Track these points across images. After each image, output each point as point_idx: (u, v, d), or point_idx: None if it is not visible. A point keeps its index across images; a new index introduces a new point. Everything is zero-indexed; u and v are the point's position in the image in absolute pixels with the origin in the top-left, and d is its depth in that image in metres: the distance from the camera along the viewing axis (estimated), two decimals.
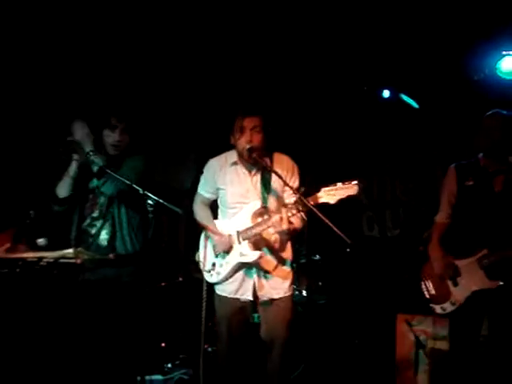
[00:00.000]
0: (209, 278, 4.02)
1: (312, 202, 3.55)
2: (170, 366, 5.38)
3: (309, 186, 3.75)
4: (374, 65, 6.06)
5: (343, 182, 3.54)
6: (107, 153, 4.14)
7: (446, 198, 4.20)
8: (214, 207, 4.18)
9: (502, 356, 3.91)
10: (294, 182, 3.94)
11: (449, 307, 4.03)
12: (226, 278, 3.93)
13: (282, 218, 3.62)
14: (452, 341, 4.11)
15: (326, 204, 3.53)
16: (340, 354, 5.53)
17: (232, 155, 4.02)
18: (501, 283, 3.90)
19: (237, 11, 5.31)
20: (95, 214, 4.14)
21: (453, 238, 4.12)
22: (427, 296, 4.17)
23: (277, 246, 3.93)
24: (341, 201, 3.53)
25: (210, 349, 5.12)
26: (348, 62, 6.03)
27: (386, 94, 6.30)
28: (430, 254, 4.19)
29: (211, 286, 4.07)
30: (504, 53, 5.51)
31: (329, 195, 3.52)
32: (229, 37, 5.62)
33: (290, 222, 3.65)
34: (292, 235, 3.92)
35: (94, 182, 4.17)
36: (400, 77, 6.13)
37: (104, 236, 4.09)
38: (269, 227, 3.73)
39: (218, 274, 3.94)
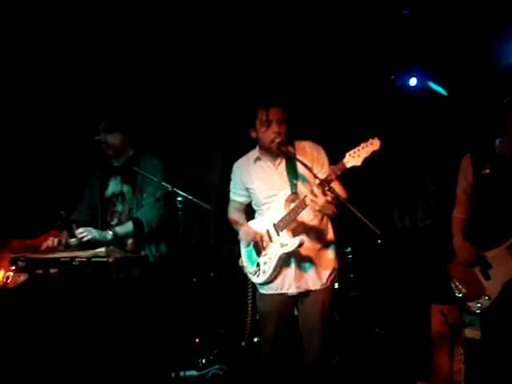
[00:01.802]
0: (255, 279, 3.92)
1: (339, 171, 3.46)
2: (204, 361, 5.42)
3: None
4: (401, 53, 6.01)
5: (363, 141, 3.45)
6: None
7: (463, 190, 4.11)
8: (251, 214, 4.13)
9: None
10: (323, 163, 3.83)
11: (485, 302, 3.91)
12: (273, 275, 3.82)
13: (316, 195, 3.48)
14: (484, 331, 4.05)
15: (354, 167, 3.43)
16: (374, 346, 5.50)
17: (254, 152, 3.98)
18: None
19: (252, 3, 5.30)
20: (114, 223, 4.21)
21: (476, 230, 4.02)
22: (459, 295, 4.04)
23: (318, 230, 3.84)
24: (366, 160, 3.42)
25: (243, 343, 5.14)
26: (375, 52, 5.99)
27: (413, 82, 6.24)
28: (455, 247, 4.07)
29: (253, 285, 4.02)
30: None
31: (354, 157, 3.43)
32: (243, 32, 5.63)
33: (324, 194, 3.48)
34: (333, 213, 3.77)
35: (109, 191, 4.25)
36: (427, 64, 6.06)
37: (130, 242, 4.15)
38: (303, 209, 3.63)
39: (264, 272, 3.83)
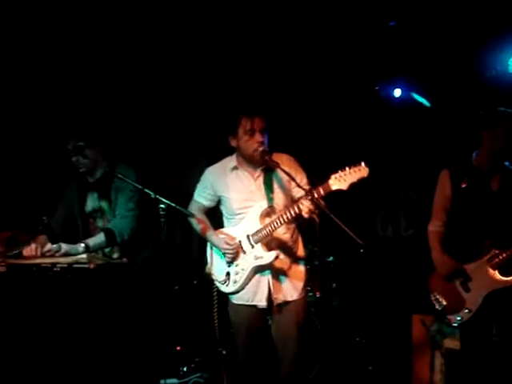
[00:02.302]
0: (224, 288, 3.92)
1: (323, 192, 3.46)
2: (185, 369, 5.39)
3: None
4: (385, 64, 6.05)
5: (350, 166, 3.44)
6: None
7: (440, 203, 4.09)
8: (214, 218, 4.12)
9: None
10: (302, 178, 3.85)
11: (466, 315, 3.91)
12: (244, 286, 3.84)
13: (300, 209, 3.51)
14: (463, 342, 4.05)
15: (339, 191, 3.44)
16: (355, 356, 5.51)
17: (231, 160, 3.95)
18: None
19: (235, 10, 5.32)
20: None
21: (455, 243, 4.00)
22: (439, 308, 4.03)
23: (290, 244, 3.88)
24: (353, 185, 3.42)
25: (224, 352, 5.12)
26: (359, 62, 6.02)
27: (398, 93, 6.28)
28: (434, 261, 4.05)
29: (221, 293, 4.01)
30: None
31: (340, 181, 3.42)
32: (229, 41, 5.65)
33: (309, 211, 3.48)
34: (304, 226, 3.84)
35: (89, 207, 4.26)
36: (411, 75, 6.11)
37: (116, 255, 4.17)
38: (281, 224, 3.66)
39: (235, 282, 3.85)
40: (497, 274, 3.86)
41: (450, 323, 4.02)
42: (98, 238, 4.08)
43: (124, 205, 4.16)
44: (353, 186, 3.44)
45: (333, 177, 3.46)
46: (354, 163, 3.47)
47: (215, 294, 4.05)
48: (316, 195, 3.48)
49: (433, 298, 4.07)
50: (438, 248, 4.06)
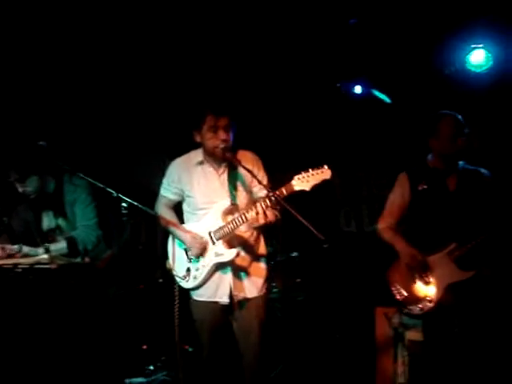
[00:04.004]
0: (184, 284, 3.94)
1: (286, 192, 3.51)
2: (151, 368, 5.38)
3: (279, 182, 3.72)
4: (345, 61, 6.10)
5: (313, 168, 3.50)
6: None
7: (397, 204, 4.17)
8: (178, 212, 4.10)
9: (475, 346, 3.95)
10: (263, 177, 3.89)
11: (426, 306, 4.00)
12: (204, 282, 3.86)
13: (257, 213, 3.58)
14: (426, 333, 4.14)
15: (302, 191, 3.49)
16: (320, 350, 5.56)
17: (197, 154, 3.95)
18: (473, 273, 3.92)
19: (204, 10, 5.32)
20: None
21: (416, 239, 4.08)
22: (399, 299, 4.11)
23: (252, 242, 3.91)
24: (316, 187, 3.48)
25: (190, 349, 5.13)
26: (320, 60, 6.06)
27: (358, 89, 6.34)
28: (400, 252, 4.10)
29: (184, 290, 4.01)
30: (473, 46, 5.58)
31: (303, 182, 3.48)
32: (192, 38, 5.63)
33: (266, 216, 3.59)
34: (265, 229, 3.89)
35: (45, 226, 4.23)
36: (371, 72, 6.17)
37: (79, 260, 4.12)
38: (243, 223, 3.68)
39: (195, 278, 3.87)
40: (456, 267, 3.96)
41: (410, 314, 4.12)
42: (60, 244, 4.08)
43: (82, 216, 4.15)
44: (315, 187, 3.50)
45: (296, 177, 3.51)
46: (316, 165, 3.53)
47: (176, 291, 4.04)
48: (278, 195, 3.52)
49: (394, 290, 4.15)
50: (401, 240, 4.12)
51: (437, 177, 4.08)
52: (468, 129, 4.05)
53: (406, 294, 4.10)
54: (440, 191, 4.06)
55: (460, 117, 4.06)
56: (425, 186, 4.08)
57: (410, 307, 4.08)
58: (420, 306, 4.03)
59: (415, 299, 4.06)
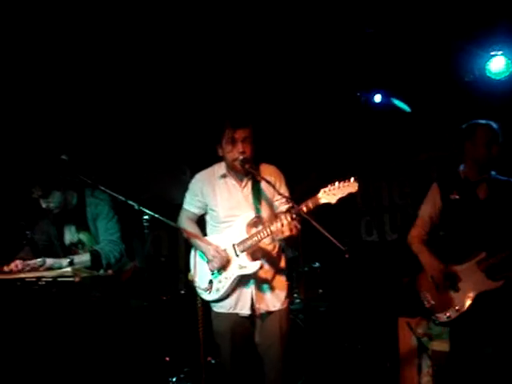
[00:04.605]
0: (206, 296, 3.92)
1: (311, 205, 3.51)
2: (174, 379, 5.38)
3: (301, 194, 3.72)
4: (365, 70, 6.10)
5: (339, 181, 3.51)
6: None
7: (428, 214, 4.22)
8: (201, 224, 4.10)
9: (506, 359, 3.93)
10: (285, 192, 3.88)
11: (453, 314, 3.99)
12: (227, 294, 3.84)
13: (283, 225, 3.57)
14: (452, 342, 4.11)
15: (327, 204, 3.49)
16: (343, 360, 5.52)
17: (220, 167, 3.96)
18: (501, 283, 3.92)
19: (217, 23, 5.34)
20: None
21: (446, 247, 4.12)
22: (427, 306, 4.13)
23: (274, 255, 3.90)
24: (342, 200, 3.49)
25: (213, 361, 5.12)
26: (340, 69, 6.07)
27: (378, 98, 6.34)
28: (425, 264, 4.14)
29: (206, 302, 4.00)
30: (492, 53, 5.55)
31: (329, 195, 3.48)
32: (211, 49, 5.66)
33: (290, 229, 3.58)
34: (288, 241, 3.88)
35: (67, 240, 4.26)
36: (391, 81, 6.16)
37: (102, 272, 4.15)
38: (268, 235, 3.68)
39: (218, 290, 3.84)
40: (485, 277, 3.96)
41: (438, 321, 4.10)
42: (84, 257, 4.10)
43: (105, 230, 4.17)
44: (341, 200, 3.50)
45: (322, 190, 3.52)
46: (337, 175, 3.56)
47: (199, 303, 4.04)
48: (304, 209, 3.53)
49: (422, 296, 4.16)
50: (427, 251, 4.16)
51: (468, 187, 4.11)
52: (502, 138, 4.06)
53: (433, 302, 4.10)
54: (470, 200, 4.09)
55: (497, 126, 4.07)
56: (456, 196, 4.11)
57: (438, 315, 4.08)
58: (448, 313, 4.03)
59: (443, 307, 4.05)
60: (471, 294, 3.97)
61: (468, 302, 3.96)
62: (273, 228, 3.63)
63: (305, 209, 3.53)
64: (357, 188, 3.50)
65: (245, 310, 3.82)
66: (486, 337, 3.98)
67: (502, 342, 3.95)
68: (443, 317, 4.04)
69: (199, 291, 3.97)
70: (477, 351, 3.97)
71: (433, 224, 4.22)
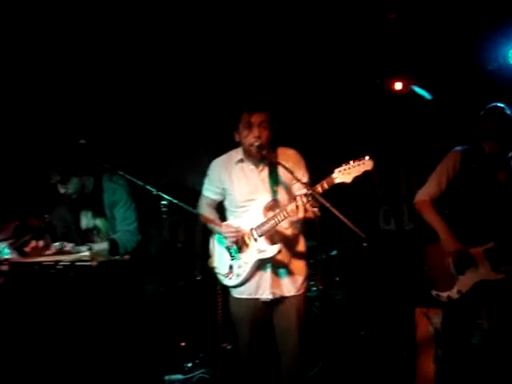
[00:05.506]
0: (227, 281, 3.91)
1: (327, 185, 3.47)
2: (190, 365, 5.40)
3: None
4: (386, 57, 6.04)
5: (354, 160, 3.46)
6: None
7: (446, 175, 4.04)
8: (221, 210, 4.09)
9: (502, 347, 3.91)
10: (304, 175, 3.84)
11: (454, 295, 3.95)
12: (247, 279, 3.83)
13: (297, 206, 3.54)
14: (444, 324, 4.12)
15: (342, 184, 3.45)
16: (359, 349, 5.51)
17: (237, 153, 3.94)
18: (503, 276, 3.87)
19: (240, 8, 5.31)
20: None
21: (460, 225, 3.99)
22: (432, 279, 4.07)
23: (292, 239, 3.87)
24: (357, 179, 3.44)
25: (229, 347, 5.13)
26: (361, 56, 6.02)
27: (399, 86, 6.28)
28: (443, 241, 3.97)
29: (225, 288, 4.01)
30: None
31: (344, 174, 3.44)
32: (233, 34, 5.63)
33: (305, 210, 3.55)
34: (306, 226, 3.85)
35: (83, 225, 4.25)
36: (412, 68, 6.10)
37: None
38: (285, 218, 3.65)
39: (238, 275, 3.83)
40: (489, 266, 3.90)
41: (438, 298, 4.06)
42: (103, 246, 4.09)
43: (123, 220, 4.15)
44: (357, 179, 3.46)
45: (336, 170, 3.48)
46: (357, 156, 3.48)
47: (219, 289, 4.03)
48: (320, 189, 3.49)
49: (428, 269, 4.12)
50: (447, 230, 3.98)
51: (490, 160, 4.01)
52: None
53: (438, 277, 4.04)
54: (488, 176, 3.99)
55: None
56: (475, 166, 3.99)
57: (439, 292, 4.04)
58: (449, 293, 3.98)
59: (445, 286, 4.00)
60: (473, 280, 3.92)
61: (468, 288, 3.92)
62: (288, 209, 3.61)
63: (320, 189, 3.50)
64: (372, 166, 3.44)
65: (265, 295, 3.80)
66: (475, 324, 4.03)
67: (494, 332, 3.95)
68: (444, 295, 4.00)
69: (220, 277, 3.96)
70: (467, 338, 4.00)
71: (446, 187, 4.06)
